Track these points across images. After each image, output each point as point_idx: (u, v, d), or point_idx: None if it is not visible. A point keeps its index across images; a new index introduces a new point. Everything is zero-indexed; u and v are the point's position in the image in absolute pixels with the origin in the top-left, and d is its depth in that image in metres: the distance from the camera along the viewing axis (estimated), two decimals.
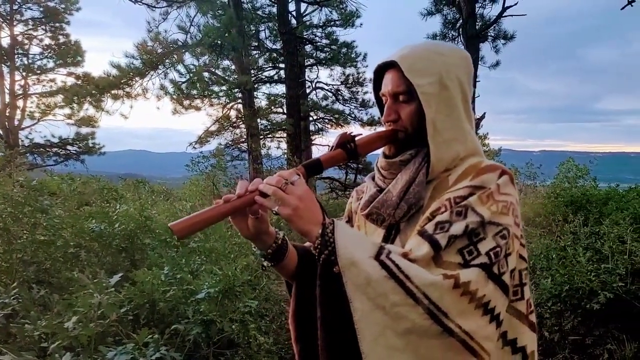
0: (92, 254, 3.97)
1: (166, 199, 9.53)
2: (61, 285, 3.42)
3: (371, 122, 16.82)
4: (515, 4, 10.92)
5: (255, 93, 15.86)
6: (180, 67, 14.50)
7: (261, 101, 17.08)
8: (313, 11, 16.50)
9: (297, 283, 1.27)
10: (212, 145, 16.36)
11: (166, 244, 4.23)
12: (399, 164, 1.22)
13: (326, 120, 18.12)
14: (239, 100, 15.51)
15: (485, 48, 12.69)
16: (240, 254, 4.04)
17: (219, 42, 13.30)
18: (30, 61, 19.85)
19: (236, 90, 14.98)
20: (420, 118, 1.17)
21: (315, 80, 17.46)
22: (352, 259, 0.99)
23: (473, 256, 1.01)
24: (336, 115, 17.46)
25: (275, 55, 16.91)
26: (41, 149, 19.82)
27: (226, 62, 15.84)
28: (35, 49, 19.98)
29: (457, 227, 1.03)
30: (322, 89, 17.57)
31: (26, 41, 19.83)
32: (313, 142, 17.78)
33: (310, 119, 17.78)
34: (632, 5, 6.44)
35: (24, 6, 19.42)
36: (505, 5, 11.07)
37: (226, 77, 15.61)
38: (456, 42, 12.34)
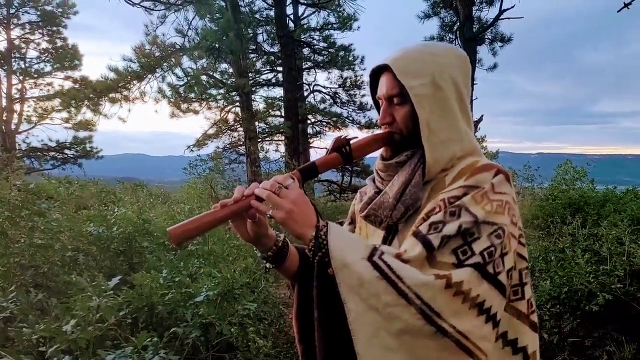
0: (90, 257, 3.96)
1: (164, 202, 9.52)
2: (59, 289, 3.41)
3: (369, 125, 16.86)
4: (512, 7, 10.98)
5: (253, 96, 15.90)
6: (178, 71, 14.53)
7: (259, 104, 17.13)
8: (311, 14, 16.57)
9: (299, 284, 1.27)
10: (210, 148, 16.40)
11: (164, 247, 4.22)
12: (396, 166, 1.22)
13: (324, 123, 18.17)
14: (237, 103, 15.54)
15: (483, 51, 12.74)
16: (239, 256, 4.04)
17: (217, 45, 13.31)
18: (27, 65, 19.85)
19: (234, 93, 15.01)
20: (415, 119, 1.17)
21: (313, 83, 17.54)
22: (344, 261, 1.00)
23: (467, 256, 1.00)
24: (334, 118, 17.50)
25: (273, 58, 16.96)
26: (38, 153, 19.78)
27: (224, 65, 15.91)
28: (32, 53, 20.02)
29: (451, 227, 1.02)
30: (319, 91, 17.64)
31: (23, 45, 19.82)
32: (311, 145, 17.81)
33: (308, 121, 17.81)
34: (628, 8, 6.47)
35: (21, 10, 19.43)
36: (502, 8, 11.13)
37: (224, 80, 15.64)
38: (454, 44, 12.38)
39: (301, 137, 16.06)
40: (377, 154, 1.30)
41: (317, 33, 16.88)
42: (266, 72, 17.64)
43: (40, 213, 3.87)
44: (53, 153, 20.09)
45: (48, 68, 20.03)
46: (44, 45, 19.97)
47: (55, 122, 19.73)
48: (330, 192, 16.44)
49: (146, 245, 4.28)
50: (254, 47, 16.40)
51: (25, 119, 19.39)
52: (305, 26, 16.58)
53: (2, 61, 19.05)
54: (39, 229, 3.83)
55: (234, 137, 16.97)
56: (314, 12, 16.31)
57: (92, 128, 19.84)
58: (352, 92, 17.41)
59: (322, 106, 17.79)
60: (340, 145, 1.20)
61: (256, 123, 15.17)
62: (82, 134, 20.05)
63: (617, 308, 3.74)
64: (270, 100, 17.34)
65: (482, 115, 11.52)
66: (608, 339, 3.72)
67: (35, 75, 19.86)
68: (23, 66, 19.76)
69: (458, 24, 11.49)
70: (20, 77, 19.69)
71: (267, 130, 17.05)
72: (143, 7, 13.71)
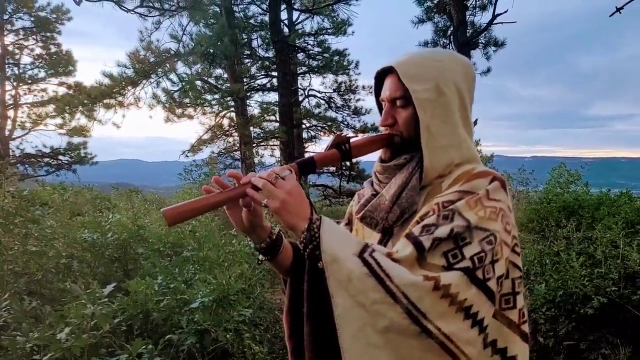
0: (84, 264, 3.93)
1: (159, 208, 9.48)
2: (53, 296, 3.39)
3: (364, 129, 16.89)
4: (506, 12, 11.05)
5: (248, 101, 15.88)
6: (172, 76, 14.49)
7: (254, 109, 17.17)
8: (305, 19, 16.62)
9: (292, 278, 1.28)
10: (205, 153, 16.41)
11: (160, 253, 4.21)
12: (394, 168, 1.23)
13: (319, 128, 18.21)
14: (232, 109, 15.52)
15: (477, 55, 12.81)
16: (235, 262, 4.03)
17: (212, 50, 13.31)
18: (21, 71, 19.75)
19: (229, 98, 14.99)
20: (417, 123, 1.17)
21: (308, 88, 17.58)
22: (335, 255, 1.00)
23: (457, 260, 1.01)
24: (329, 123, 17.54)
25: (267, 63, 16.98)
26: (32, 159, 19.67)
27: (219, 71, 15.90)
28: (26, 59, 19.92)
29: (443, 230, 1.03)
30: (314, 96, 17.68)
31: (17, 51, 19.74)
32: (306, 150, 17.83)
33: (303, 126, 17.85)
34: (620, 12, 6.52)
35: (14, 16, 19.36)
36: (496, 13, 11.20)
37: (219, 86, 15.63)
38: (447, 49, 12.45)
39: (296, 142, 16.07)
40: (375, 156, 1.30)
41: (312, 38, 16.95)
42: (261, 77, 17.67)
43: (34, 220, 3.85)
44: (47, 159, 19.99)
45: (42, 74, 19.95)
46: (38, 51, 19.91)
47: (50, 128, 19.64)
48: (325, 197, 16.45)
49: (141, 251, 4.26)
50: (248, 52, 16.44)
51: (19, 125, 19.29)
52: (299, 31, 16.65)
53: None
54: (33, 236, 3.81)
55: (229, 142, 16.99)
56: (308, 18, 16.37)
57: (87, 134, 19.76)
58: (346, 97, 17.48)
59: (317, 111, 17.85)
60: (340, 142, 1.20)
61: (251, 128, 15.18)
62: (76, 139, 19.97)
63: (612, 311, 3.75)
64: (265, 105, 17.40)
65: (476, 119, 11.55)
66: (603, 342, 3.72)
67: (29, 81, 19.77)
68: (17, 72, 19.68)
69: (452, 28, 11.55)
70: (14, 83, 19.59)
71: (262, 135, 17.08)
72: (138, 13, 13.70)
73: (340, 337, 0.99)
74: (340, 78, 17.21)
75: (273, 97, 17.39)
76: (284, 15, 15.73)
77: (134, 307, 3.01)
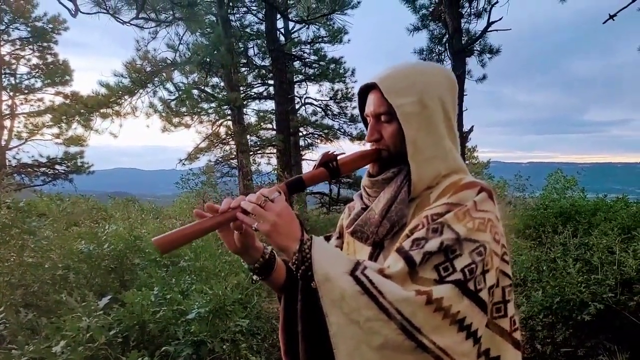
0: (80, 275, 3.92)
1: (156, 217, 9.47)
2: (49, 308, 3.37)
3: (361, 137, 16.90)
4: (500, 19, 11.10)
5: (244, 109, 15.91)
6: (169, 85, 14.53)
7: (251, 117, 17.16)
8: (301, 28, 16.66)
9: (285, 297, 1.29)
10: (201, 162, 16.39)
11: (156, 263, 4.20)
12: (382, 182, 1.24)
13: (316, 136, 18.22)
14: (229, 117, 15.54)
15: (472, 62, 12.84)
16: (231, 272, 4.02)
17: (208, 59, 13.35)
18: (17, 81, 19.75)
19: (225, 107, 15.01)
20: (402, 137, 1.18)
21: (305, 96, 17.60)
22: (327, 275, 1.01)
23: (448, 272, 1.01)
24: (326, 130, 17.55)
25: (264, 72, 17.02)
26: (29, 169, 19.62)
27: (215, 79, 15.94)
28: (22, 69, 19.92)
29: (433, 244, 1.03)
30: (311, 104, 17.70)
31: (14, 61, 19.75)
32: (303, 158, 17.84)
33: (300, 134, 17.86)
34: (613, 20, 6.57)
35: (11, 26, 19.39)
36: (490, 20, 11.25)
37: (215, 94, 15.66)
38: (443, 56, 12.49)
39: (293, 150, 16.08)
40: (366, 169, 1.31)
41: (308, 46, 16.99)
42: (257, 85, 17.69)
43: (31, 231, 3.84)
44: (44, 169, 19.94)
45: (39, 84, 19.95)
46: (35, 61, 19.91)
47: (46, 137, 19.62)
48: (322, 205, 16.44)
49: (137, 262, 4.25)
50: (245, 61, 16.47)
51: (15, 135, 19.26)
52: (295, 40, 16.69)
53: None
54: (29, 248, 3.80)
55: (226, 151, 16.98)
56: (304, 26, 16.43)
57: (83, 143, 19.74)
58: (343, 105, 17.49)
59: (313, 119, 17.85)
60: (328, 160, 1.21)
61: (248, 136, 15.18)
62: (73, 149, 19.95)
63: (609, 317, 3.75)
64: (261, 114, 17.40)
65: (472, 126, 11.57)
66: (600, 348, 3.73)
67: (26, 91, 19.76)
68: (13, 82, 19.68)
69: (447, 36, 11.59)
70: (11, 93, 19.60)
71: (259, 143, 17.08)
72: (134, 25, 13.75)
73: (336, 355, 0.99)
74: (337, 86, 17.24)
75: (269, 105, 17.43)
76: (280, 24, 15.80)
77: (130, 319, 3.00)
